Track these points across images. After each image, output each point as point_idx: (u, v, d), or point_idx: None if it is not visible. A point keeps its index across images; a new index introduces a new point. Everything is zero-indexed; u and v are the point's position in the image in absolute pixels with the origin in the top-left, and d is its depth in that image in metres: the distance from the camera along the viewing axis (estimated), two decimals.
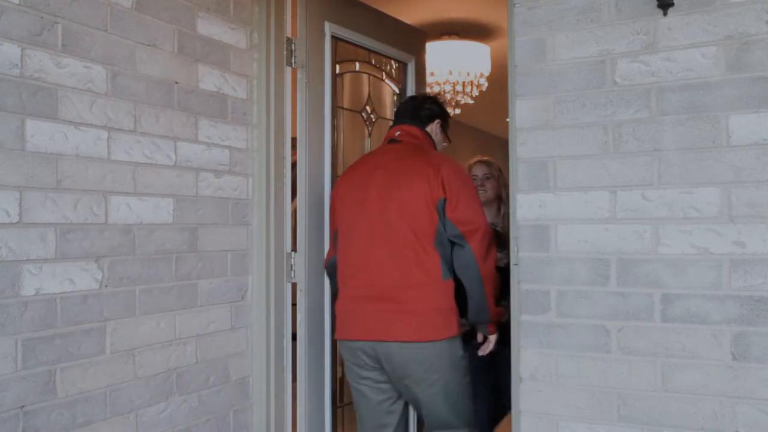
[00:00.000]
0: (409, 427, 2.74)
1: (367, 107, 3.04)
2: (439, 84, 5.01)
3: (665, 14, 1.79)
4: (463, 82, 5.01)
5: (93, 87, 1.88)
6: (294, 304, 2.58)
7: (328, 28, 2.73)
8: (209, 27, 2.28)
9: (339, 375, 2.79)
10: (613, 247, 1.84)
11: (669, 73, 1.79)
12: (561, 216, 1.90)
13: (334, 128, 2.79)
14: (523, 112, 1.96)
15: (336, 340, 2.47)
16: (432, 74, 4.92)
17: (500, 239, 2.76)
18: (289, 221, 2.57)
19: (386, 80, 3.16)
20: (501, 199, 3.12)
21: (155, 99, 2.07)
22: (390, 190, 2.28)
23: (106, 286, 1.91)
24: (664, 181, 1.79)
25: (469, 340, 2.46)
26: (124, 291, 1.97)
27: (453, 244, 2.23)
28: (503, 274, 2.26)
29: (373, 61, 3.06)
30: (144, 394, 2.03)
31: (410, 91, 3.24)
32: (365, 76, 3.04)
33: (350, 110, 2.94)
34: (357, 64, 2.98)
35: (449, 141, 2.61)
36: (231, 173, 2.37)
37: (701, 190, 1.75)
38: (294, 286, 2.58)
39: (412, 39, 3.30)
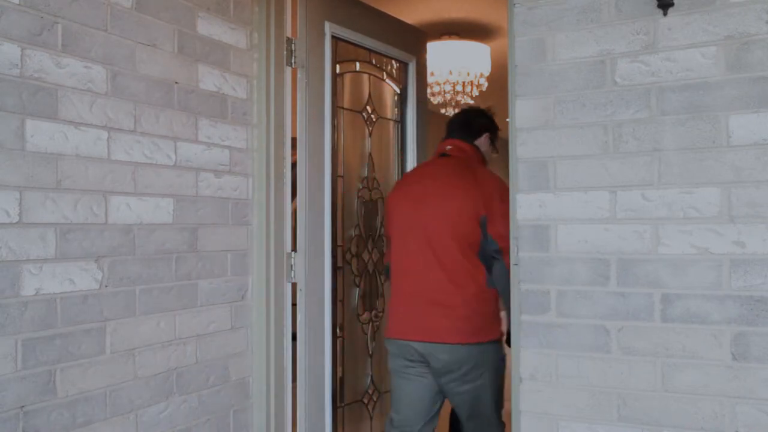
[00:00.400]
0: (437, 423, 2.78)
1: (368, 107, 3.04)
2: (439, 84, 5.01)
3: (665, 14, 1.79)
4: (463, 82, 5.01)
5: (93, 87, 1.88)
6: (294, 304, 2.59)
7: (328, 28, 2.73)
8: (209, 27, 2.28)
9: (339, 375, 2.79)
10: (613, 247, 1.84)
11: (669, 73, 1.79)
12: (561, 216, 1.90)
13: (334, 128, 2.79)
14: (523, 112, 1.96)
15: (385, 338, 2.64)
16: (432, 74, 4.93)
17: None
18: (289, 221, 2.57)
19: (387, 80, 3.16)
20: None
21: (155, 99, 2.07)
22: (439, 203, 2.49)
23: (106, 286, 1.91)
24: (664, 181, 1.79)
25: None
26: (124, 291, 1.97)
27: (491, 257, 2.45)
28: None
29: (373, 61, 3.06)
30: (144, 394, 2.03)
31: (411, 91, 3.25)
32: (366, 76, 3.04)
33: (350, 110, 2.94)
34: (357, 64, 2.98)
35: (497, 152, 2.81)
36: (231, 173, 2.37)
37: (701, 190, 1.75)
38: (294, 286, 2.58)
39: (413, 39, 3.30)
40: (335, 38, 2.78)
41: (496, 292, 2.45)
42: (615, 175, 1.84)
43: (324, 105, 2.70)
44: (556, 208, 1.91)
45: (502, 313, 2.48)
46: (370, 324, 3.07)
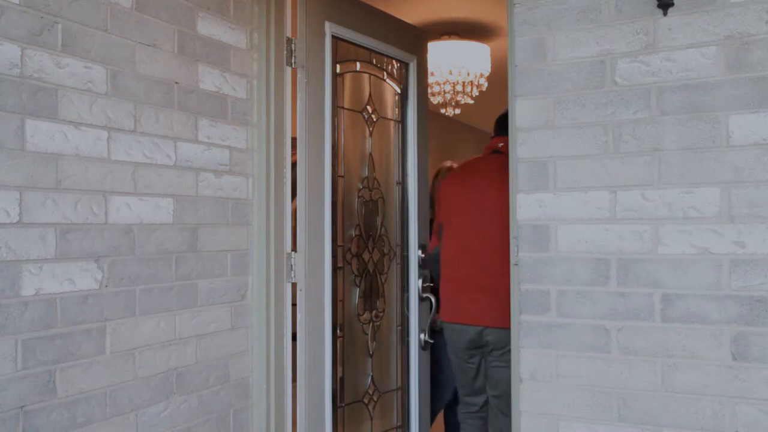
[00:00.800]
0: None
1: (368, 107, 3.04)
2: (439, 84, 5.01)
3: (665, 14, 1.79)
4: (463, 82, 5.01)
5: (93, 87, 1.88)
6: (294, 304, 2.58)
7: (329, 28, 2.73)
8: (209, 27, 2.28)
9: (339, 375, 2.79)
10: (613, 247, 1.84)
11: (669, 73, 1.79)
12: (561, 216, 1.90)
13: (335, 128, 2.78)
14: (523, 112, 1.96)
15: (440, 322, 2.99)
16: (432, 74, 4.92)
17: None
18: (289, 221, 2.57)
19: (387, 80, 3.16)
20: None
21: (155, 99, 2.07)
22: (490, 196, 2.75)
23: (106, 286, 1.91)
24: (664, 181, 1.79)
25: (438, 330, 3.04)
26: (124, 291, 1.97)
27: None
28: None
29: (374, 61, 3.06)
30: (144, 394, 2.03)
31: (412, 91, 3.24)
32: (366, 76, 3.04)
33: (351, 110, 2.93)
34: (358, 64, 2.98)
35: None
36: (231, 173, 2.38)
37: (701, 190, 1.75)
38: (294, 286, 2.58)
39: (414, 38, 3.30)
40: (335, 38, 2.78)
41: None
42: (615, 175, 1.84)
43: (324, 105, 2.70)
44: (556, 208, 1.91)
45: None
46: (370, 324, 3.06)
